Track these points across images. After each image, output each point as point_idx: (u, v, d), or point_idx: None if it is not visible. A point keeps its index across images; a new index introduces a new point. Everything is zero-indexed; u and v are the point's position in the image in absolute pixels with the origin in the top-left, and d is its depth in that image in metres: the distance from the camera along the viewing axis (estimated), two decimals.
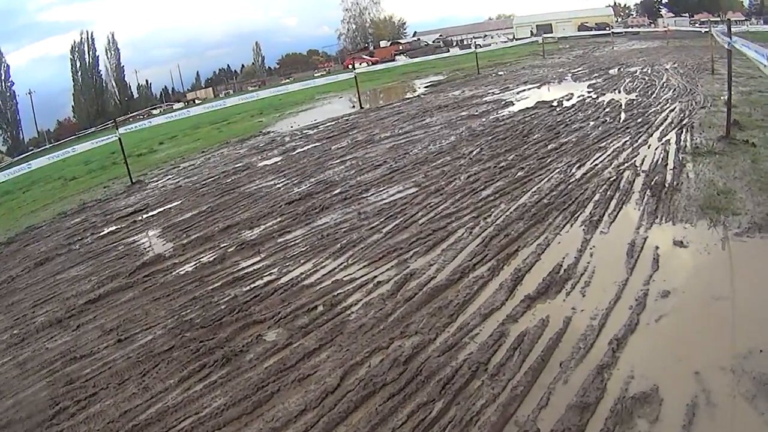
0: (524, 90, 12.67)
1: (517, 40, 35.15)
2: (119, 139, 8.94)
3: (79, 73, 37.37)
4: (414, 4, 73.79)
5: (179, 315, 3.61)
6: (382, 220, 4.62)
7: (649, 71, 13.15)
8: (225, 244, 4.81)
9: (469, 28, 47.85)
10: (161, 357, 3.08)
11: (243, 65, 54.37)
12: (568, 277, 3.14)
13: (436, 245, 3.89)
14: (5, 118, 31.87)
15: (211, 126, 16.80)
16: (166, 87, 45.99)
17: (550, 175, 5.21)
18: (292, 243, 4.49)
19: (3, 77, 34.69)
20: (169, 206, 6.74)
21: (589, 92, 10.73)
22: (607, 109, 8.47)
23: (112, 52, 39.47)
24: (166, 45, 62.55)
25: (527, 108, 9.70)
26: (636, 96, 9.54)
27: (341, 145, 8.71)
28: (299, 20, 69.97)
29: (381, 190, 5.58)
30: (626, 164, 5.23)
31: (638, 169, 5.05)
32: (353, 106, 14.62)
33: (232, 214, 5.71)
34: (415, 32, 54.20)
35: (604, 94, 10.21)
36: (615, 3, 47.63)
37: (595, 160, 5.52)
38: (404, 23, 56.85)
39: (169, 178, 8.82)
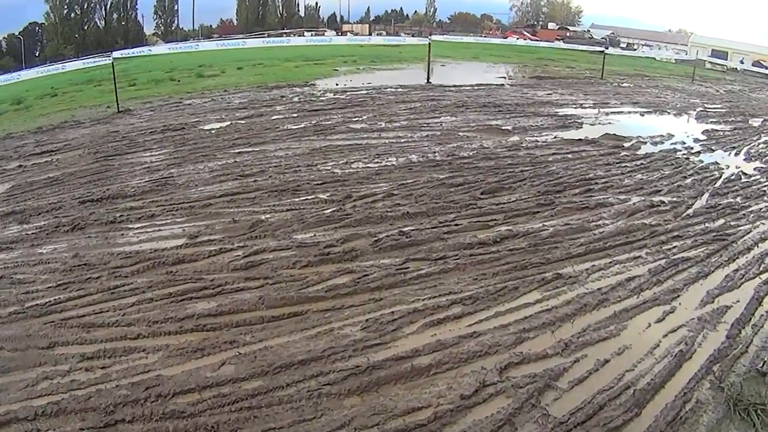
0: (622, 113, 8.99)
1: (686, 55, 29.31)
2: (112, 64, 8.81)
3: None
4: None
5: None
6: (55, 285, 3.23)
7: None
8: None
9: (645, 33, 44.23)
10: None
11: (416, 11, 53.22)
12: None
13: None
14: (162, 5, 34.90)
15: (297, 63, 16.14)
16: (334, 14, 46.95)
17: (333, 325, 3.00)
18: None
19: None
20: (64, 155, 6.27)
21: (696, 141, 6.95)
22: (688, 180, 5.21)
23: None
24: None
25: (582, 140, 6.65)
26: (755, 168, 5.85)
27: (298, 125, 7.13)
28: None
29: (156, 226, 4.01)
30: (537, 378, 2.44)
31: (547, 417, 2.19)
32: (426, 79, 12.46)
33: (51, 193, 4.91)
34: (593, 24, 49.09)
35: (713, 150, 6.46)
36: None
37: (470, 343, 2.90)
38: (581, 11, 52.13)
39: (144, 116, 8.38)
